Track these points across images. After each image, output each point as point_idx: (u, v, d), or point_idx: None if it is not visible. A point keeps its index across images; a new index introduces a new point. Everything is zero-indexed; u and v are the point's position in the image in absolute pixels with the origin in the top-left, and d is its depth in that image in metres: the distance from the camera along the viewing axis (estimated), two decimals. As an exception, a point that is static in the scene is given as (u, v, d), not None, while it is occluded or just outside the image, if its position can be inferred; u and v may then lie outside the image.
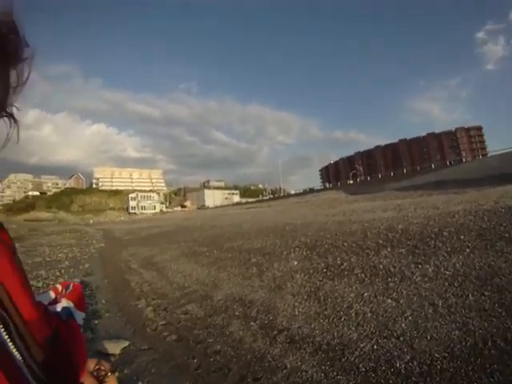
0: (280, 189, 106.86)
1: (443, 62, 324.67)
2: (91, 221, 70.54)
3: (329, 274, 5.49)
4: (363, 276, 5.04)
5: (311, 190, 68.44)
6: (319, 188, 76.45)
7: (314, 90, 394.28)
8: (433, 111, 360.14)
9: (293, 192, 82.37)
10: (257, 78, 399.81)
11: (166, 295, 6.17)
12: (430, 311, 3.58)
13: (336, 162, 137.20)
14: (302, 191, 72.89)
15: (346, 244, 7.08)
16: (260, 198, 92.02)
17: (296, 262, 6.49)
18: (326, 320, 3.92)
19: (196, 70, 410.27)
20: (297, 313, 4.27)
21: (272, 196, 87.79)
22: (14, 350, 0.49)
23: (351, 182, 77.75)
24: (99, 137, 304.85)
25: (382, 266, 5.27)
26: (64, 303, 0.97)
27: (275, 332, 3.86)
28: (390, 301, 4.05)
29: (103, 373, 0.84)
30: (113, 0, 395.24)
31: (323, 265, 5.99)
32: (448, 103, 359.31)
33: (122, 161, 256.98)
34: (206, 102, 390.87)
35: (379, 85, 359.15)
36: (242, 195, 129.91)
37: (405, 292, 4.19)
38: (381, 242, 6.72)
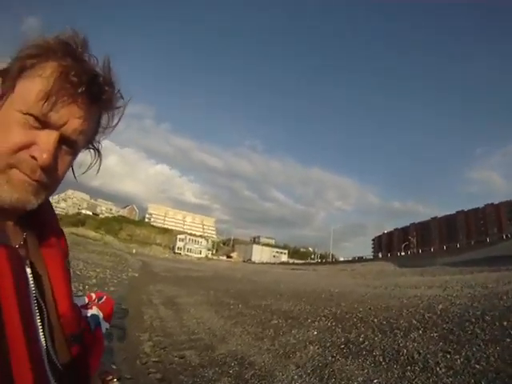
0: (329, 254, 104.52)
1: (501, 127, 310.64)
2: (134, 250, 72.66)
3: (345, 350, 5.10)
4: (381, 359, 4.60)
5: (359, 259, 66.26)
6: (369, 257, 74.20)
7: (377, 159, 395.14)
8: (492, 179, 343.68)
9: (342, 259, 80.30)
10: (321, 141, 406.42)
11: (172, 335, 6.13)
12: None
13: (390, 232, 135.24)
14: (350, 259, 70.65)
15: (376, 320, 6.62)
16: (308, 260, 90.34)
17: (316, 332, 6.17)
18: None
19: (262, 130, 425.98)
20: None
21: (320, 260, 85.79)
22: (42, 337, 0.59)
23: (403, 253, 75.36)
24: (161, 176, 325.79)
25: (405, 351, 4.77)
26: (94, 311, 1.03)
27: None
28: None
29: (110, 377, 0.93)
30: (188, 57, 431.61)
31: (343, 340, 5.60)
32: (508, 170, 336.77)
33: (179, 203, 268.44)
34: (268, 161, 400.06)
35: (440, 155, 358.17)
36: (291, 255, 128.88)
37: (421, 385, 3.75)
38: (414, 322, 6.16)
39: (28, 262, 0.62)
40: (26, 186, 0.57)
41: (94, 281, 12.66)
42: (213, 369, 4.52)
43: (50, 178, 0.60)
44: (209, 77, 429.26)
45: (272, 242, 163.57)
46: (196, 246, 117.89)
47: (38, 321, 0.58)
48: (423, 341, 5.14)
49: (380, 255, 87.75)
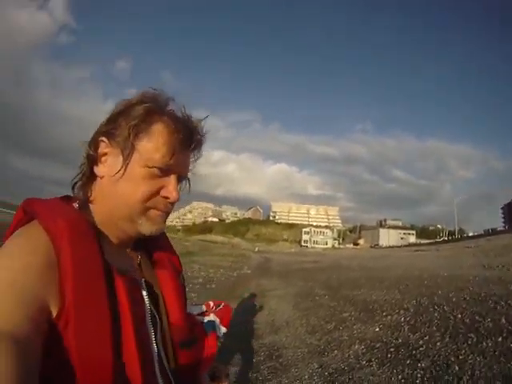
0: (456, 230, 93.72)
1: None
2: (257, 248, 75.24)
3: (388, 355, 4.41)
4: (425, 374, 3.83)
5: (489, 232, 57.83)
6: (500, 229, 64.52)
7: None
8: None
9: (471, 233, 71.68)
10: (432, 112, 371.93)
11: (233, 326, 6.18)
12: None
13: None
14: (480, 233, 62.47)
15: (459, 317, 5.43)
16: (436, 239, 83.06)
17: (377, 329, 5.58)
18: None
19: (372, 111, 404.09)
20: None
21: (447, 238, 77.86)
22: (154, 342, 0.72)
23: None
24: (280, 175, 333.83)
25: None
26: (211, 317, 1.14)
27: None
28: None
29: (218, 374, 1.01)
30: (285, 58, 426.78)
31: (400, 341, 4.82)
32: None
33: (301, 197, 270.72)
34: (383, 140, 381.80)
35: None
36: (419, 236, 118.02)
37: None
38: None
39: (143, 281, 0.76)
40: (160, 219, 0.76)
41: (200, 280, 13.55)
42: (240, 355, 4.64)
43: (172, 205, 0.77)
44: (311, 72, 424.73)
45: (399, 223, 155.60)
46: (321, 237, 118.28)
47: (151, 329, 0.72)
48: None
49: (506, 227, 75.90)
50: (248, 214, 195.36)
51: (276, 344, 5.24)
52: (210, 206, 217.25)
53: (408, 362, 4.17)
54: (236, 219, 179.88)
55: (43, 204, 0.68)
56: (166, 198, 0.73)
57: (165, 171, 0.73)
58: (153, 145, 0.71)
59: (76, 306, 0.56)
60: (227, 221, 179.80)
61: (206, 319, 1.05)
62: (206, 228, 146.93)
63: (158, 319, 0.75)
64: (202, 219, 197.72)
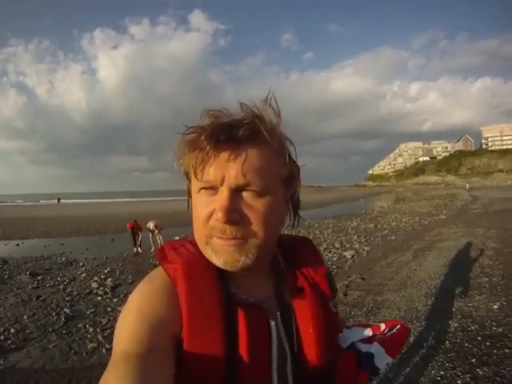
0: None
1: None
2: (467, 185, 68.32)
3: None
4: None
5: None
6: None
7: None
8: None
9: None
10: None
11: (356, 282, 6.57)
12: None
13: None
14: None
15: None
16: None
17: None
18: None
19: None
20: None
21: None
22: (275, 375, 0.69)
23: None
24: (486, 92, 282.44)
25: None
26: (374, 347, 0.91)
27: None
28: None
29: None
30: None
31: None
32: None
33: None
34: None
35: None
36: None
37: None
38: None
39: (278, 313, 0.73)
40: (225, 248, 0.65)
41: (386, 232, 13.77)
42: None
43: (247, 229, 0.65)
44: None
45: None
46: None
47: (275, 362, 0.69)
48: None
49: None
50: (458, 146, 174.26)
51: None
52: (419, 144, 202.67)
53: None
54: (447, 154, 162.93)
55: (170, 249, 0.74)
56: (217, 220, 0.64)
57: (211, 188, 0.66)
58: (191, 166, 0.67)
59: (188, 329, 0.62)
60: (438, 157, 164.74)
61: (365, 349, 0.86)
62: (417, 170, 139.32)
63: (289, 354, 0.72)
64: (413, 161, 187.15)
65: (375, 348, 0.86)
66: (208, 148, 0.63)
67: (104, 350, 4.65)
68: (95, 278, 8.48)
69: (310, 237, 12.20)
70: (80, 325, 5.57)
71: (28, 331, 5.38)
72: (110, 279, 8.29)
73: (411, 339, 3.89)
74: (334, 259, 9.25)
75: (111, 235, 17.33)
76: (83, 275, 9.02)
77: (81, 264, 10.50)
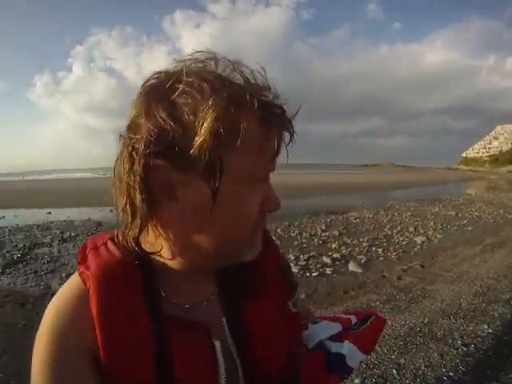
0: None
1: None
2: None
3: None
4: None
5: None
6: None
7: None
8: None
9: None
10: None
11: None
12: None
13: None
14: None
15: None
16: None
17: None
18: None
19: None
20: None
21: None
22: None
23: None
24: None
25: None
26: (345, 346, 0.81)
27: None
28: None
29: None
30: None
31: None
32: None
33: None
34: None
35: None
36: None
37: None
38: None
39: (224, 319, 0.63)
40: (260, 239, 0.62)
41: (465, 221, 12.27)
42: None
43: None
44: None
45: None
46: None
47: (223, 371, 0.59)
48: None
49: None
50: None
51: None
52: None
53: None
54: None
55: (91, 248, 0.63)
56: (269, 211, 0.59)
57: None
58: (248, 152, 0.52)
59: (103, 350, 0.53)
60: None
61: (335, 348, 0.76)
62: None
63: (239, 364, 0.62)
64: (509, 146, 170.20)
65: (347, 347, 0.77)
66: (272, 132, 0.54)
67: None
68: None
69: (387, 218, 12.33)
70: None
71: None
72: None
73: (439, 333, 3.85)
74: (404, 243, 9.09)
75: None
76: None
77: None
